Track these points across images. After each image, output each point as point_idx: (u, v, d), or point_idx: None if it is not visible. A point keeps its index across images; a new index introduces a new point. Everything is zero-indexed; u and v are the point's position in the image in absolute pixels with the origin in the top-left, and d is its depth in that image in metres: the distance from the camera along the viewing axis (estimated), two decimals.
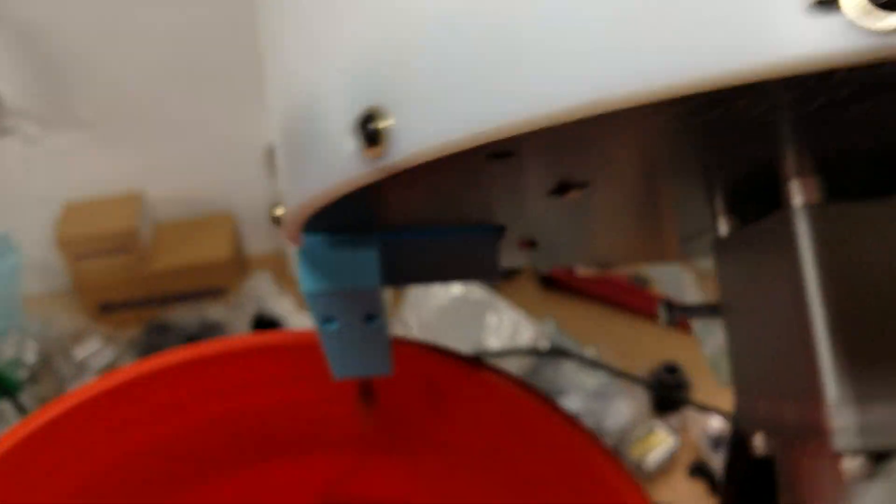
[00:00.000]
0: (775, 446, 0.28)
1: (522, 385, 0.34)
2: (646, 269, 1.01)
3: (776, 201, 0.25)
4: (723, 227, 0.29)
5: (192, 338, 0.83)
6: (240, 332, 0.86)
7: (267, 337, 0.37)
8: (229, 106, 0.93)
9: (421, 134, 0.16)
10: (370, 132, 0.17)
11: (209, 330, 0.86)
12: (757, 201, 0.27)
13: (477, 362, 0.36)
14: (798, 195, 0.23)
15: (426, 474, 0.39)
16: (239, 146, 0.96)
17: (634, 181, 0.24)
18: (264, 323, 0.84)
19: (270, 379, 0.37)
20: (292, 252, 0.98)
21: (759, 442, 0.28)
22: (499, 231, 0.30)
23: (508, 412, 0.34)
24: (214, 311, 0.89)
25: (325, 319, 0.30)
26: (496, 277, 0.36)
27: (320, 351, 0.38)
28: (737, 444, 0.39)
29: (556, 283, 0.96)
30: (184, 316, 0.87)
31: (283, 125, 0.21)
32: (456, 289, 0.85)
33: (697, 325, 0.75)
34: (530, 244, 0.34)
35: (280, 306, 0.90)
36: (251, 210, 1.01)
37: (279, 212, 0.26)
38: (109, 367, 0.85)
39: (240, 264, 0.97)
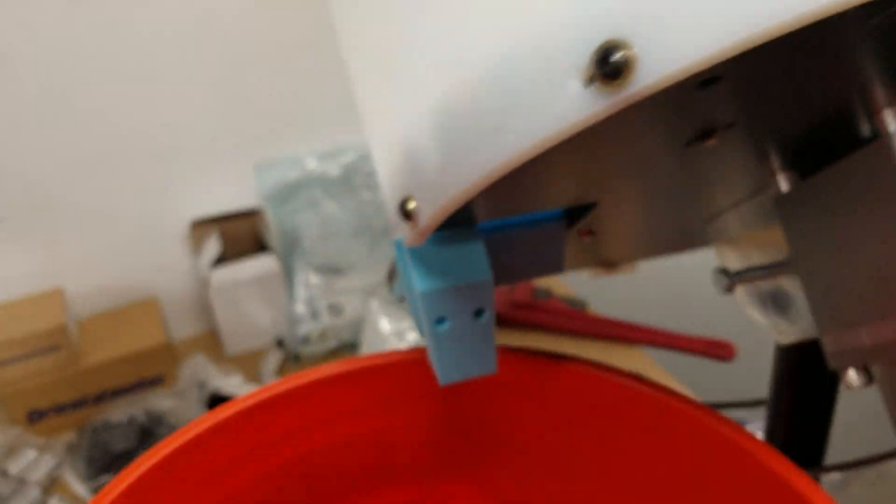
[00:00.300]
0: (880, 372, 0.29)
1: (622, 374, 0.34)
2: (582, 292, 1.04)
3: (844, 146, 0.27)
4: (784, 184, 0.31)
5: (144, 430, 0.77)
6: (191, 419, 0.81)
7: (321, 371, 0.36)
8: (141, 189, 0.90)
9: (666, 58, 0.17)
10: (613, 64, 0.17)
11: (157, 421, 0.80)
12: (817, 153, 0.29)
13: (558, 357, 0.36)
14: (893, 122, 0.25)
15: (503, 491, 0.38)
16: (156, 228, 0.93)
17: (745, 131, 0.26)
18: (223, 402, 0.79)
19: (334, 415, 0.36)
20: (225, 329, 0.95)
21: (852, 376, 0.30)
22: (589, 208, 0.31)
23: (612, 407, 0.34)
24: (158, 401, 0.84)
25: (438, 320, 0.29)
26: (561, 269, 0.36)
27: (380, 377, 0.37)
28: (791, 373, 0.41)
29: (498, 318, 0.97)
30: (126, 410, 0.81)
31: (458, 95, 0.21)
32: (413, 335, 0.85)
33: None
34: (590, 233, 0.35)
35: (228, 384, 0.86)
36: (173, 292, 0.97)
37: (412, 205, 0.25)
38: (49, 477, 0.77)
39: (171, 350, 0.92)
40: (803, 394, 0.39)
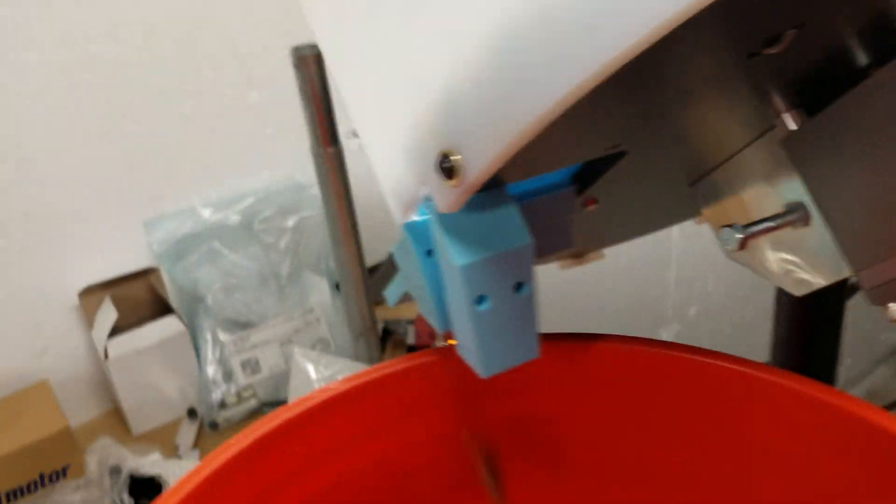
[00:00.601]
0: None
1: (661, 344, 0.33)
2: None
3: (843, 82, 0.28)
4: (791, 123, 0.31)
5: None
6: None
7: (326, 392, 0.33)
8: (17, 261, 0.83)
9: None
10: None
11: None
12: (819, 90, 0.30)
13: (584, 336, 0.34)
14: None
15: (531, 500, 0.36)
16: (38, 303, 0.86)
17: (802, 39, 0.26)
18: (144, 483, 0.73)
19: (342, 444, 0.33)
20: (129, 406, 0.87)
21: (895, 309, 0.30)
22: (618, 156, 0.30)
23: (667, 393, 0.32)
24: (66, 496, 0.76)
25: (478, 299, 0.27)
26: (570, 244, 0.35)
27: (390, 391, 0.34)
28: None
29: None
30: None
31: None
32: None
33: None
34: (595, 201, 0.34)
35: (146, 465, 0.79)
36: (65, 372, 0.89)
37: (456, 158, 0.23)
38: None
39: (72, 436, 0.83)
40: (809, 346, 0.40)
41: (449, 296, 0.29)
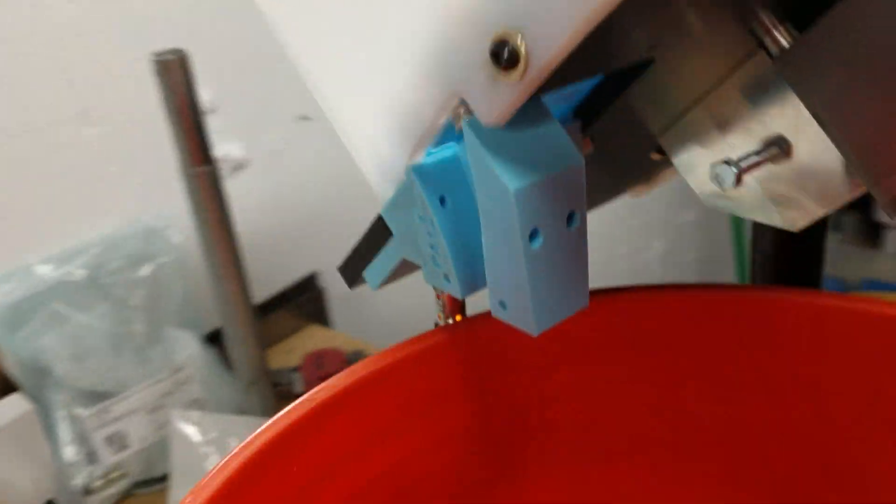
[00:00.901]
0: None
1: (693, 287, 0.31)
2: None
3: None
4: (783, 40, 0.31)
5: None
6: None
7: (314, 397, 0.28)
8: None
9: None
10: None
11: None
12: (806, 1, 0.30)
13: (602, 291, 0.31)
14: None
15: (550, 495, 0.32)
16: None
17: None
18: None
19: (355, 449, 0.28)
20: None
21: None
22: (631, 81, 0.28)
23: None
24: None
25: (531, 233, 0.24)
26: None
27: (382, 393, 0.29)
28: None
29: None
30: None
31: None
32: (232, 440, 0.74)
33: None
34: (591, 141, 0.32)
35: None
36: None
37: (518, 41, 0.20)
38: None
39: None
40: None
41: (488, 239, 0.25)
